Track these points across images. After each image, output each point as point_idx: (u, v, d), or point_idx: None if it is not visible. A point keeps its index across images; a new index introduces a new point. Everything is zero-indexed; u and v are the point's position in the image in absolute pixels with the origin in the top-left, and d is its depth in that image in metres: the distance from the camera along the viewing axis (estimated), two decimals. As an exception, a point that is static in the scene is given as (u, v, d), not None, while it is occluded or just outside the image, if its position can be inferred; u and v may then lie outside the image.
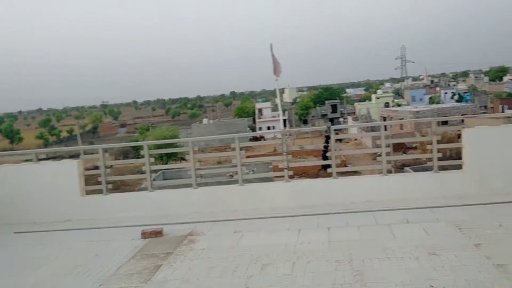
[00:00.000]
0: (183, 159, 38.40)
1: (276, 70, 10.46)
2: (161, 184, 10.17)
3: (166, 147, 22.85)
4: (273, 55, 10.50)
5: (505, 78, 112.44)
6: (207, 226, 7.12)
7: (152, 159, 8.41)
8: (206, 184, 9.27)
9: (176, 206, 8.09)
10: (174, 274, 5.33)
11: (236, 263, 5.50)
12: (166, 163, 29.56)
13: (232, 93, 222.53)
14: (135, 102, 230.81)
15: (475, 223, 6.16)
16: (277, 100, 10.59)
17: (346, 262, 5.23)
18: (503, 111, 56.70)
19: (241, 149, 8.20)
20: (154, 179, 8.95)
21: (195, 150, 8.34)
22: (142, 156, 8.33)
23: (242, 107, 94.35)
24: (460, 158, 7.81)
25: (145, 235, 6.79)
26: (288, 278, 4.97)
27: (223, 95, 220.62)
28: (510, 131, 7.68)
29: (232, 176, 26.29)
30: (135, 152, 41.81)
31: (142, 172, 8.46)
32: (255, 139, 58.88)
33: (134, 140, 55.60)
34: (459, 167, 7.88)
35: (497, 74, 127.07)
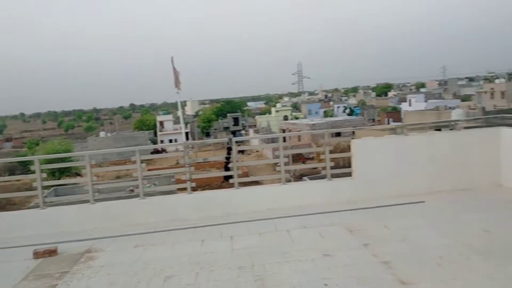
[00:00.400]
0: (78, 174, 36.29)
1: (177, 82, 10.46)
2: (54, 201, 9.54)
3: (59, 161, 21.51)
4: (174, 68, 10.49)
5: (390, 94, 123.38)
6: (106, 242, 6.86)
7: (44, 175, 7.91)
8: (105, 200, 8.93)
9: (72, 223, 7.67)
10: (71, 293, 5.07)
11: (138, 278, 5.39)
12: (59, 179, 27.76)
13: (132, 105, 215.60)
14: (22, 114, 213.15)
15: (364, 225, 6.72)
16: (179, 113, 10.58)
17: (248, 268, 5.40)
18: (388, 124, 61.95)
19: (142, 162, 8.06)
20: (45, 196, 8.39)
21: (92, 164, 8.01)
22: (32, 172, 7.80)
23: (142, 119, 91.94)
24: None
25: (37, 254, 6.35)
26: (191, 287, 4.99)
27: (121, 108, 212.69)
28: (392, 141, 8.52)
29: (132, 190, 25.43)
30: (23, 168, 38.58)
31: (32, 189, 7.91)
32: (157, 152, 57.63)
33: (22, 156, 51.23)
34: (350, 174, 8.53)
35: (383, 90, 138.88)
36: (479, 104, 61.19)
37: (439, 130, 9.70)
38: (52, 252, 6.41)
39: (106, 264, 5.93)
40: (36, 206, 8.00)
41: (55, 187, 26.36)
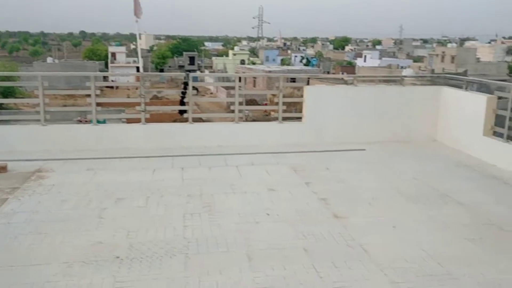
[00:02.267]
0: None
1: (137, 11, 10.19)
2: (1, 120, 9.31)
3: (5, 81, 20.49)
4: (134, -6, 10.17)
5: (347, 48, 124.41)
6: (57, 164, 6.94)
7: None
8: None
9: (21, 143, 7.62)
10: (23, 207, 5.22)
11: (89, 198, 5.59)
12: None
13: (82, 32, 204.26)
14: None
15: (308, 166, 7.19)
16: (138, 43, 10.40)
17: (197, 196, 5.73)
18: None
19: (97, 89, 8.01)
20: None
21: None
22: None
23: (93, 49, 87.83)
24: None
25: (-14, 170, 6.36)
26: (141, 209, 5.28)
27: (71, 34, 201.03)
28: (342, 90, 8.95)
29: (81, 121, 24.85)
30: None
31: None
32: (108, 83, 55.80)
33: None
34: (300, 119, 8.92)
35: (340, 44, 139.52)
36: (429, 66, 63.32)
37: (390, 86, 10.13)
38: (1, 169, 6.43)
39: (57, 183, 6.07)
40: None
41: (-2, 110, 25.30)
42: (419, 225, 5.01)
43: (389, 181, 6.51)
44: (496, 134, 7.59)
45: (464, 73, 50.89)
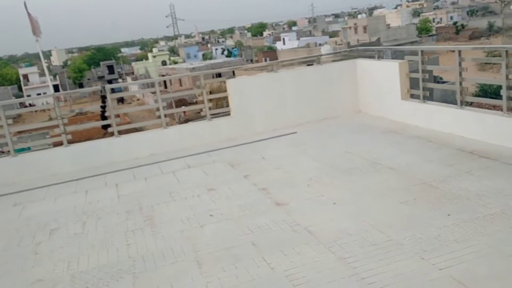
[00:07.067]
0: None
1: (35, 30, 9.61)
2: None
3: None
4: (29, 14, 9.57)
5: (265, 33, 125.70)
6: (-21, 205, 6.46)
7: None
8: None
9: None
10: None
11: (21, 235, 5.25)
12: None
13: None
14: None
15: (244, 159, 7.21)
16: (43, 63, 9.85)
17: (136, 211, 5.56)
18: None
19: (8, 118, 7.49)
20: None
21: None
22: None
23: (1, 74, 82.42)
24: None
25: None
26: (80, 236, 5.04)
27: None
28: (263, 78, 9.00)
29: (2, 152, 23.29)
30: None
31: None
32: (25, 107, 52.71)
33: None
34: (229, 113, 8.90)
35: (258, 30, 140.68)
36: (344, 40, 65.65)
37: (311, 65, 10.29)
38: None
39: (-18, 227, 5.64)
40: None
41: None
42: (357, 196, 5.19)
43: (323, 159, 6.68)
44: (413, 96, 8.01)
45: (378, 41, 53.36)
